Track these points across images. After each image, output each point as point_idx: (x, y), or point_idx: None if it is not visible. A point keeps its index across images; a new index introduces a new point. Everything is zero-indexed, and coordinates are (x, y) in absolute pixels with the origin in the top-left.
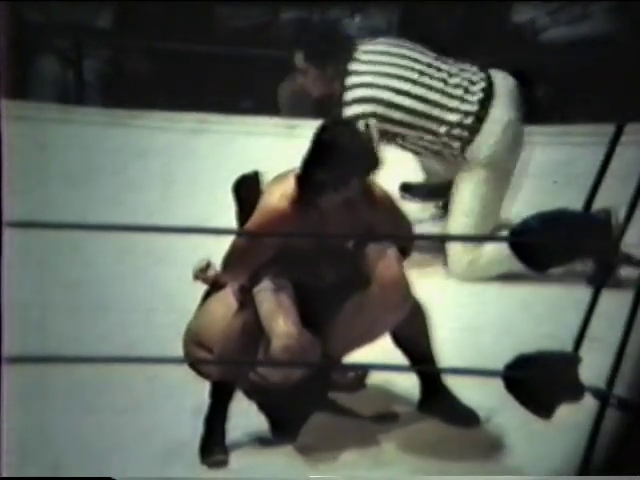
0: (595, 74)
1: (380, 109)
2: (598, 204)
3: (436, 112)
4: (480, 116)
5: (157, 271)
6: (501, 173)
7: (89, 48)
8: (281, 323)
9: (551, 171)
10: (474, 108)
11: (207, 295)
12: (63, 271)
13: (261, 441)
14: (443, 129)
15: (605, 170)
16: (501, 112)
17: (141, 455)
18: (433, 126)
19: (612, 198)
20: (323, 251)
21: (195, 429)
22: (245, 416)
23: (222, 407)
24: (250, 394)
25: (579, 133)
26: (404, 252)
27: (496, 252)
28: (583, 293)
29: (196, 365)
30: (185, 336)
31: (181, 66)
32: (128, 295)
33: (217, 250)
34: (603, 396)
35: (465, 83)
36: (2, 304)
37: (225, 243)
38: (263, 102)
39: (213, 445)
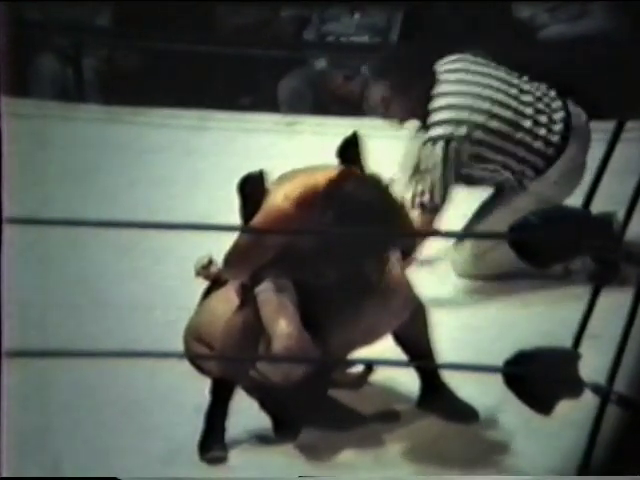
0: (594, 71)
1: (471, 131)
2: (597, 202)
3: (522, 137)
4: (560, 149)
5: (157, 269)
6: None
7: (89, 46)
8: (282, 324)
9: None
10: (555, 139)
11: (208, 291)
12: (63, 269)
13: (261, 439)
14: (529, 157)
15: (605, 168)
16: (576, 152)
17: (142, 453)
18: (520, 152)
19: (612, 196)
20: (325, 252)
21: (197, 427)
22: (246, 414)
23: (222, 404)
24: (251, 392)
25: None
26: (407, 254)
27: (499, 250)
28: (583, 290)
29: (196, 361)
30: (186, 332)
31: (181, 63)
32: (128, 293)
33: (217, 248)
34: (603, 393)
35: (548, 110)
36: (2, 301)
37: (226, 241)
38: (263, 99)
39: (212, 442)
